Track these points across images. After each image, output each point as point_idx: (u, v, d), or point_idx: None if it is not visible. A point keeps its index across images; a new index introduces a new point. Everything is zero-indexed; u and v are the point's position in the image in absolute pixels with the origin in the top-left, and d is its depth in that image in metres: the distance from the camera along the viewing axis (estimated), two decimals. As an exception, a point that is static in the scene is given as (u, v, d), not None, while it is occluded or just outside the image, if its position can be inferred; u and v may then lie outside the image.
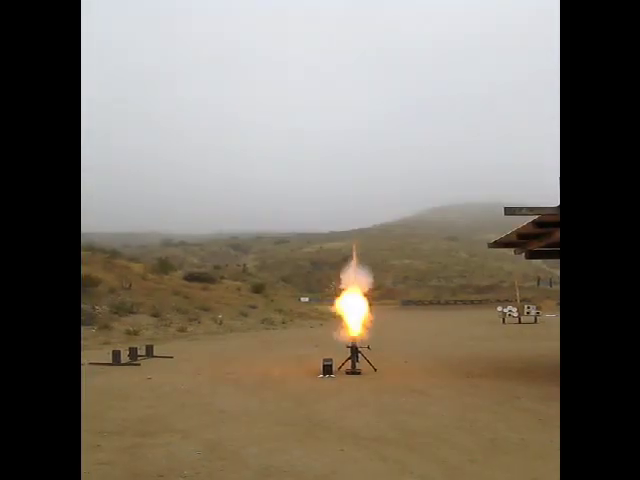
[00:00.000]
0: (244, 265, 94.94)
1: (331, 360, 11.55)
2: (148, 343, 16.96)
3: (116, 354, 13.68)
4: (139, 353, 14.68)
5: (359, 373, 11.69)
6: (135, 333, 21.75)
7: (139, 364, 13.63)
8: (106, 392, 9.54)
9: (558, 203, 8.20)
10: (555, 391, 3.65)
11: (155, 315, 26.20)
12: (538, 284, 74.42)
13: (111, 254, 38.53)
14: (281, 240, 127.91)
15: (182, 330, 24.83)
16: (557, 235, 9.13)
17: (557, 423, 3.22)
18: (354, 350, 11.99)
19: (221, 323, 28.79)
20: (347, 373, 11.66)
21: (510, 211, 8.46)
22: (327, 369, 11.48)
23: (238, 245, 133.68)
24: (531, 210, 8.46)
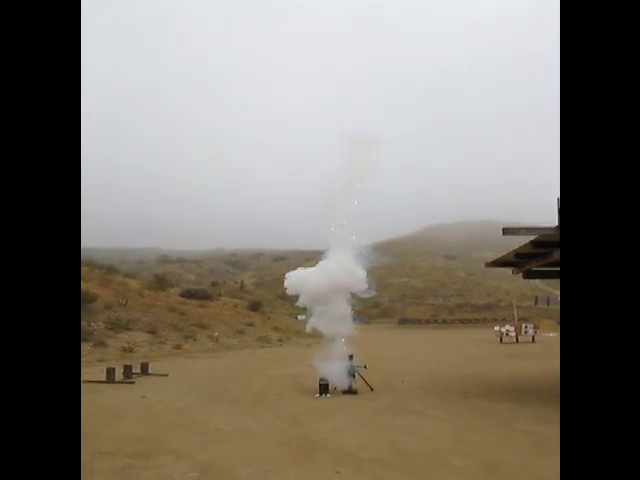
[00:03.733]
0: (241, 282, 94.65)
1: (327, 379, 11.45)
2: (143, 360, 16.82)
3: (110, 372, 13.55)
4: (134, 371, 14.54)
5: (355, 392, 11.57)
6: (130, 350, 21.57)
7: (133, 382, 13.48)
8: (100, 411, 9.41)
9: (556, 223, 8.21)
10: (554, 412, 3.61)
11: (151, 332, 26.03)
12: (536, 303, 74.14)
13: (108, 270, 38.41)
14: (279, 257, 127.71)
15: (178, 347, 24.64)
16: (555, 255, 9.12)
17: (556, 446, 3.17)
18: (351, 369, 11.89)
19: (217, 341, 28.59)
20: (343, 392, 11.55)
21: (508, 231, 8.46)
22: (323, 388, 11.37)
23: (236, 262, 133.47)
24: (529, 230, 8.46)
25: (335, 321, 12.00)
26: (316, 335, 12.74)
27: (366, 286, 12.11)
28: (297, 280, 12.52)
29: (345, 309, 12.12)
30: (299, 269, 12.91)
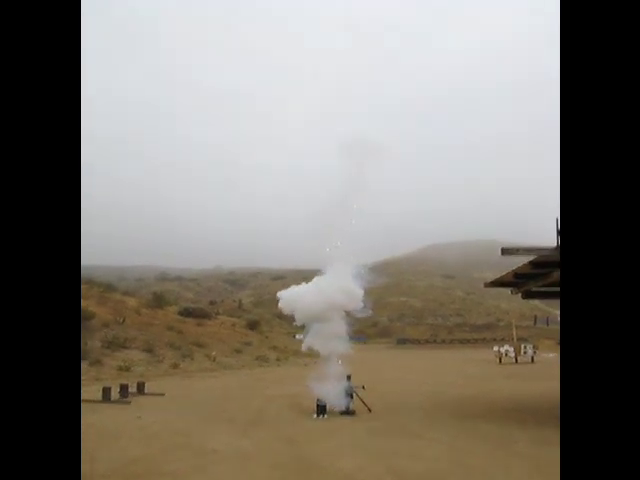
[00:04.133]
0: (240, 301, 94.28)
1: (325, 400, 11.34)
2: (140, 379, 16.68)
3: (106, 391, 13.42)
4: (130, 390, 14.41)
5: (353, 413, 11.46)
6: (127, 369, 21.40)
7: (129, 402, 13.35)
8: (95, 431, 9.30)
9: (555, 244, 8.22)
10: (553, 434, 3.58)
11: (148, 350, 25.85)
12: (535, 323, 73.79)
13: (106, 288, 38.28)
14: (278, 276, 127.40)
15: (175, 366, 24.45)
16: (554, 275, 9.11)
17: (556, 470, 3.14)
18: (348, 390, 11.79)
19: (214, 360, 28.38)
20: (341, 413, 11.44)
21: (507, 252, 8.46)
22: (321, 409, 11.27)
23: (235, 281, 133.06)
24: (528, 251, 8.46)
25: (331, 340, 11.90)
26: (314, 354, 12.64)
27: (362, 305, 12.04)
28: (291, 298, 12.43)
29: (340, 328, 12.02)
30: (292, 287, 12.80)
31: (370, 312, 12.52)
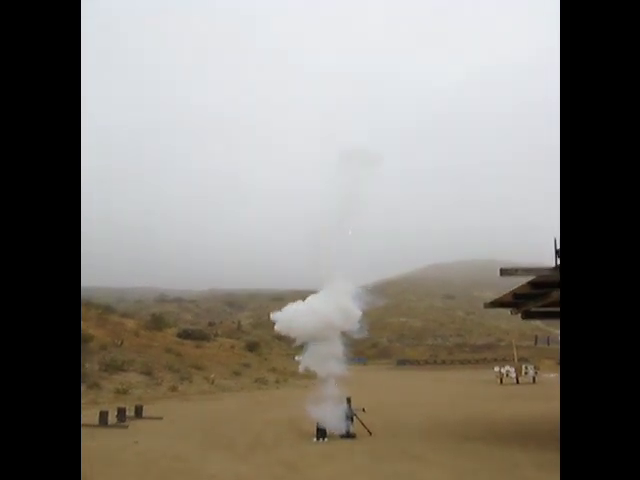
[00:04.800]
0: (239, 322, 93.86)
1: (325, 423, 11.21)
2: (137, 403, 16.51)
3: (103, 415, 13.27)
4: (127, 414, 14.25)
5: (354, 437, 11.33)
6: (124, 392, 21.19)
7: (127, 426, 13.19)
8: (91, 457, 9.14)
9: (553, 264, 8.23)
10: (555, 458, 3.53)
11: (146, 373, 25.64)
12: (536, 343, 73.37)
13: (105, 309, 38.14)
14: (277, 297, 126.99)
15: (173, 389, 24.23)
16: (553, 295, 9.09)
17: (558, 497, 3.09)
18: (349, 413, 11.66)
19: (213, 382, 28.14)
20: (341, 437, 11.30)
21: (506, 272, 8.45)
22: (321, 433, 11.14)
23: (233, 302, 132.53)
24: (527, 271, 8.46)
25: (328, 361, 11.75)
26: (313, 376, 12.52)
27: (358, 325, 11.90)
28: (286, 319, 12.24)
29: (337, 348, 11.87)
30: (288, 306, 12.51)
31: (366, 333, 12.37)
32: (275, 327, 12.49)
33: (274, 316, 12.52)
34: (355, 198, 11.81)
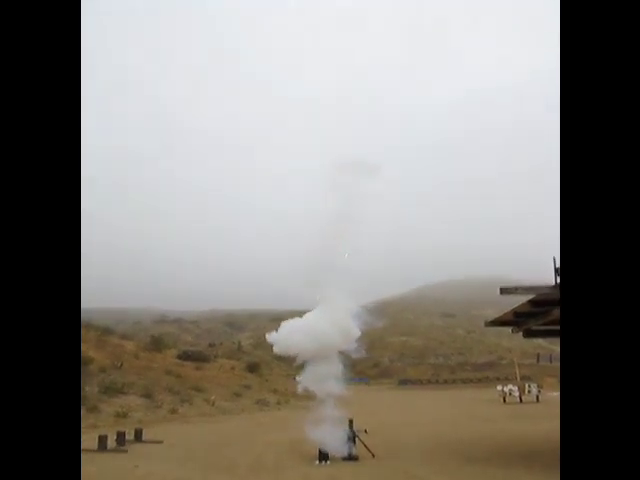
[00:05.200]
0: (239, 343, 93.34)
1: (326, 446, 11.08)
2: (137, 426, 16.35)
3: (102, 439, 13.11)
4: (127, 438, 14.09)
5: (356, 459, 11.19)
6: (124, 415, 20.98)
7: (126, 450, 13.04)
8: (90, 482, 9.06)
9: (553, 282, 8.23)
10: (560, 482, 3.50)
11: (146, 396, 25.41)
12: (538, 361, 72.85)
13: (104, 331, 37.92)
14: (276, 318, 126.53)
15: (173, 412, 23.99)
16: (554, 313, 9.07)
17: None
18: (351, 435, 11.53)
19: (214, 404, 27.88)
20: (344, 459, 11.16)
21: (505, 291, 8.45)
22: (323, 455, 11.01)
23: (233, 322, 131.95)
24: (526, 290, 8.46)
25: (326, 381, 11.57)
26: (313, 397, 12.39)
27: (355, 345, 11.75)
28: (282, 339, 12.00)
29: (335, 368, 11.70)
30: (283, 325, 12.22)
31: (364, 352, 12.21)
32: (274, 349, 12.33)
33: (270, 337, 12.31)
34: (353, 217, 11.80)
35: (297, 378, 12.52)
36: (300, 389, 12.31)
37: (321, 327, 11.50)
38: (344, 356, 11.97)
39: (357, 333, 11.70)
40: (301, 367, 12.44)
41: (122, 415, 20.92)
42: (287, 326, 12.17)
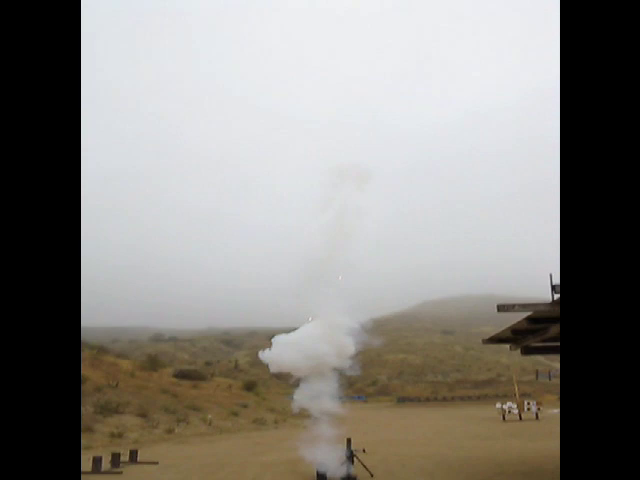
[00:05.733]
0: (236, 361, 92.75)
1: (324, 466, 10.91)
2: (133, 446, 16.14)
3: (97, 461, 12.91)
4: (122, 459, 13.88)
5: (355, 479, 11.02)
6: (119, 436, 20.70)
7: (121, 472, 12.83)
8: (84, 505, 8.89)
9: (550, 299, 8.21)
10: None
11: (142, 415, 25.12)
12: (537, 377, 72.55)
13: (99, 350, 37.65)
14: (274, 335, 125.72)
15: (170, 431, 23.70)
16: (552, 330, 9.03)
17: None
18: (349, 454, 11.37)
19: (210, 424, 27.56)
20: (342, 479, 10.99)
21: (503, 308, 8.41)
22: (321, 476, 10.85)
23: (230, 340, 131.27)
24: (524, 307, 8.42)
25: (320, 398, 11.37)
26: (312, 416, 12.19)
27: (350, 362, 11.57)
28: (275, 356, 11.73)
29: (330, 385, 11.50)
30: (274, 342, 11.90)
31: (359, 370, 12.01)
32: (270, 368, 12.13)
33: (262, 355, 12.05)
34: (350, 234, 11.74)
35: (293, 396, 12.30)
36: (295, 407, 12.05)
37: (314, 343, 11.31)
38: (340, 374, 11.79)
39: (351, 350, 11.54)
40: (297, 385, 12.25)
41: (117, 435, 20.65)
42: (279, 343, 11.91)
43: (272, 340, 12.08)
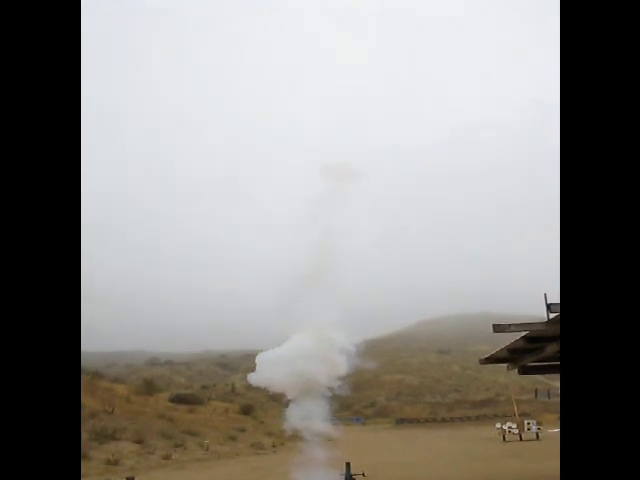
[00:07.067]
0: (232, 384, 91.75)
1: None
2: (129, 474, 15.90)
3: (94, 488, 12.74)
4: (119, 486, 13.71)
5: (355, 503, 10.91)
6: (115, 463, 20.41)
7: (118, 499, 12.67)
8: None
9: (545, 318, 8.27)
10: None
11: (138, 441, 24.81)
12: (536, 396, 72.04)
13: (94, 375, 37.28)
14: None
15: (166, 457, 23.39)
16: (549, 349, 9.09)
17: None
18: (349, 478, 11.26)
19: (208, 449, 27.23)
20: (342, 504, 10.88)
21: (498, 328, 8.46)
22: (320, 501, 10.72)
23: (226, 364, 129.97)
24: (519, 326, 8.48)
25: (311, 419, 11.14)
26: (305, 439, 11.95)
27: (339, 382, 11.32)
28: (262, 377, 11.37)
29: (320, 405, 11.18)
30: (258, 361, 11.51)
31: (348, 390, 11.73)
32: (269, 389, 11.90)
33: (251, 378, 11.65)
34: (344, 255, 11.65)
35: (284, 417, 12.00)
36: (288, 430, 11.71)
37: (299, 357, 10.97)
38: (332, 394, 11.49)
39: (343, 367, 11.26)
40: (288, 406, 11.92)
41: (113, 462, 20.36)
42: (264, 361, 11.51)
43: (256, 359, 11.71)
